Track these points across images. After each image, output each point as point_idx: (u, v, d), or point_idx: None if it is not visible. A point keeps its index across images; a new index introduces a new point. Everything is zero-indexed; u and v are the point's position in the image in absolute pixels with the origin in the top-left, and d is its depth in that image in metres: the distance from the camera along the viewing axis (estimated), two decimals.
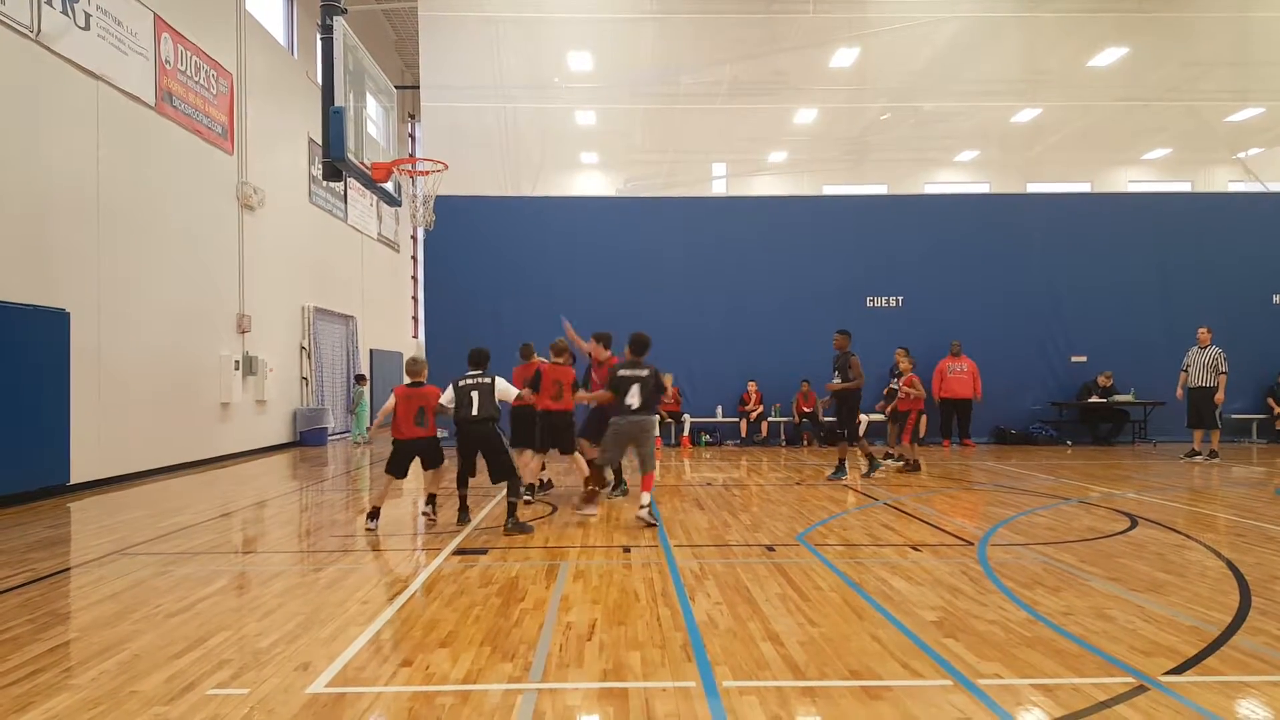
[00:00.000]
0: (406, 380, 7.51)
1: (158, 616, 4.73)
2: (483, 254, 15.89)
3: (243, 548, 6.96)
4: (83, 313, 10.34)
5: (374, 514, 7.37)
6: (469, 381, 7.46)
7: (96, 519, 8.37)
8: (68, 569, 6.05)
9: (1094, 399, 15.57)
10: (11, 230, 9.37)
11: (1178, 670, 3.74)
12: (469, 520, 7.64)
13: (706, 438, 16.11)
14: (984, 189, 20.62)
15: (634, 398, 7.46)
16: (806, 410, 15.70)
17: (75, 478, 10.11)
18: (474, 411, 7.32)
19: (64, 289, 10.10)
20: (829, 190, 19.66)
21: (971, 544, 6.58)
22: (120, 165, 11.27)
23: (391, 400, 7.36)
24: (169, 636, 4.34)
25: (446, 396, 7.42)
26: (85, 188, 10.59)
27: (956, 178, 21.52)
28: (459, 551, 6.41)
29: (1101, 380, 15.62)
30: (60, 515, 8.59)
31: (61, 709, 3.39)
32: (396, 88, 13.47)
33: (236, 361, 14.28)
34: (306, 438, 16.96)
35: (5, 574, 5.83)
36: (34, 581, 5.63)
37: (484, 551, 6.40)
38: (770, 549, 6.43)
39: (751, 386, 15.97)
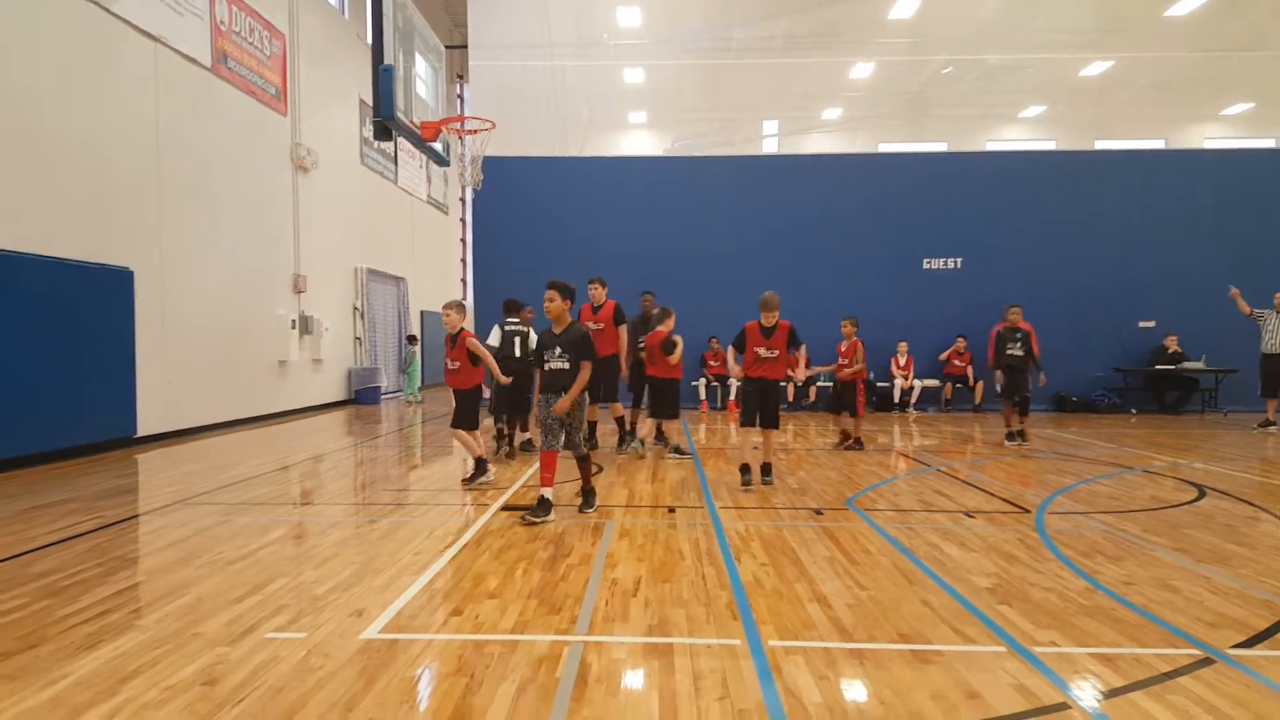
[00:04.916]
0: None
1: (219, 563, 4.88)
2: (530, 215, 15.87)
3: (300, 499, 7.14)
4: (146, 272, 10.63)
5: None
6: (512, 328, 9.04)
7: (161, 470, 8.70)
8: (135, 516, 6.29)
9: (1161, 366, 15.01)
10: (77, 190, 9.64)
11: (1246, 644, 3.58)
12: (511, 451, 9.11)
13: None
14: (1050, 146, 19.81)
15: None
16: None
17: (141, 431, 10.49)
18: (516, 352, 8.84)
19: (127, 248, 10.38)
20: (885, 148, 19.09)
21: (1029, 511, 6.41)
22: (178, 127, 11.47)
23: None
24: (230, 582, 4.48)
25: (494, 337, 8.90)
26: (145, 149, 10.81)
27: (1021, 135, 20.67)
28: (507, 508, 6.48)
29: (1168, 344, 15.04)
30: (127, 466, 8.93)
31: (129, 648, 3.52)
32: (445, 47, 13.43)
33: (293, 321, 14.60)
34: (361, 396, 17.33)
35: (77, 520, 6.09)
36: (103, 528, 5.86)
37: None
38: (818, 513, 6.36)
39: (801, 349, 15.74)
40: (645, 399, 9.86)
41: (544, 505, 6.00)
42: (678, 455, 9.15)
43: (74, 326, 9.26)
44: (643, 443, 9.48)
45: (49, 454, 8.92)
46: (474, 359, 7.44)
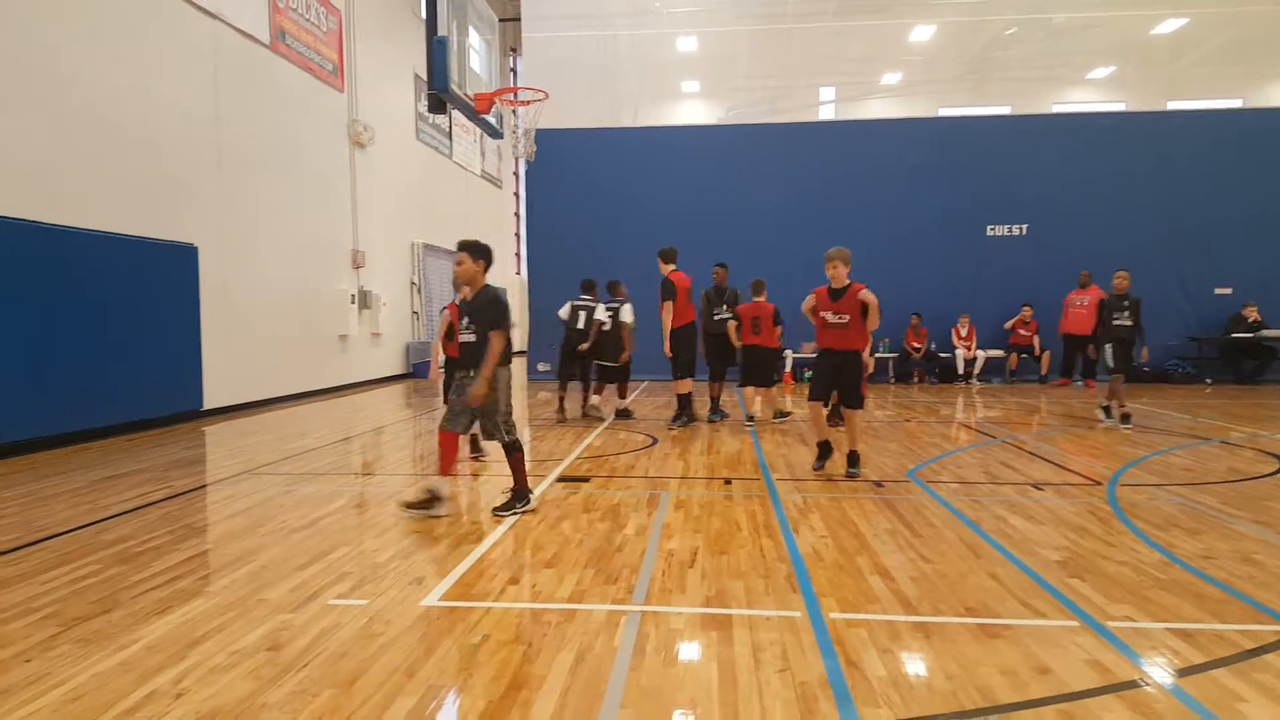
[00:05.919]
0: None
1: (283, 531, 5.00)
2: (583, 187, 15.80)
3: (361, 470, 7.28)
4: (209, 247, 10.87)
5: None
6: (582, 302, 9.89)
7: (228, 441, 8.95)
8: (203, 486, 6.48)
9: (1238, 335, 14.32)
10: (142, 168, 9.87)
11: None
12: (565, 418, 9.78)
13: (809, 374, 15.75)
14: (1119, 108, 18.94)
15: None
16: (916, 346, 15.11)
17: (208, 403, 10.80)
18: (579, 325, 9.69)
19: (190, 225, 10.61)
20: (946, 112, 18.50)
21: (1099, 483, 6.18)
22: (238, 104, 11.65)
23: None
24: (294, 550, 4.58)
25: (565, 311, 9.82)
26: (206, 126, 11.01)
27: (1089, 96, 19.81)
28: (562, 479, 6.50)
29: (1248, 314, 14.33)
30: (195, 438, 9.22)
31: (198, 613, 3.61)
32: (499, 20, 13.38)
33: (353, 295, 14.84)
34: (418, 370, 17.59)
35: (148, 489, 6.29)
36: (173, 497, 6.05)
37: (586, 479, 6.47)
38: (878, 485, 6.23)
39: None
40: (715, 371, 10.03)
41: (433, 499, 5.25)
42: (781, 419, 9.78)
43: (143, 302, 9.52)
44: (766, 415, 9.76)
45: (121, 426, 9.23)
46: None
